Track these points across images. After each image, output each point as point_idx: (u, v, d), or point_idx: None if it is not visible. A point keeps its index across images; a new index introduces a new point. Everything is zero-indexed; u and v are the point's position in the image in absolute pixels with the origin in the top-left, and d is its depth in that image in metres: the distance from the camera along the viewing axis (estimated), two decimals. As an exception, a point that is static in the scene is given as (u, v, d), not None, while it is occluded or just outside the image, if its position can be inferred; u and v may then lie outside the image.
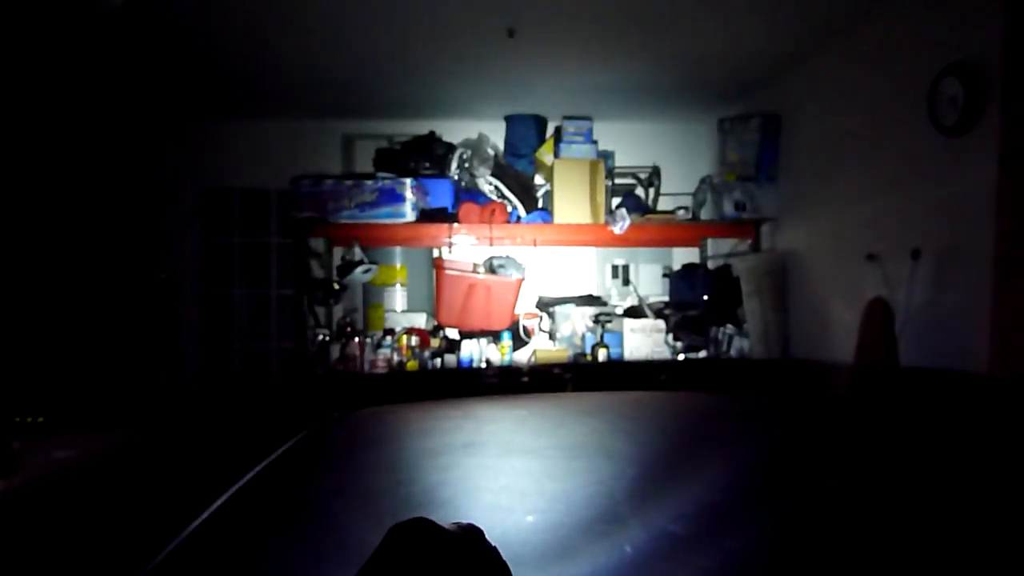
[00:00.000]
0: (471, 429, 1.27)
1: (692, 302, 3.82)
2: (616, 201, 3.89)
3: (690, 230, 3.97)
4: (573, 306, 3.96)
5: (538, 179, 4.08)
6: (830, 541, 0.79)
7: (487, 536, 0.55)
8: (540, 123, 4.11)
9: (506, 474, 1.02)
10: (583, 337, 3.84)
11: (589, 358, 3.68)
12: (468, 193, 3.85)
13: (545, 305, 4.07)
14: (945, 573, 0.74)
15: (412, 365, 3.60)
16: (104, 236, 4.32)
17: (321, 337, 3.70)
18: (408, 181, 3.55)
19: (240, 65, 3.40)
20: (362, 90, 3.82)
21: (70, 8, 2.61)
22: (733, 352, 3.57)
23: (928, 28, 2.45)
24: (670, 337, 3.73)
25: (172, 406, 4.40)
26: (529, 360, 3.80)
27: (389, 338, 3.67)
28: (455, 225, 3.65)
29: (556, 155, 3.74)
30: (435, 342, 3.79)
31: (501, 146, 4.04)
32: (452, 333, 3.91)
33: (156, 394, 4.40)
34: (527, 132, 4.05)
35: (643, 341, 3.64)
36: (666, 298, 4.06)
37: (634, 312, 3.91)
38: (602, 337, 3.70)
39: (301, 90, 3.81)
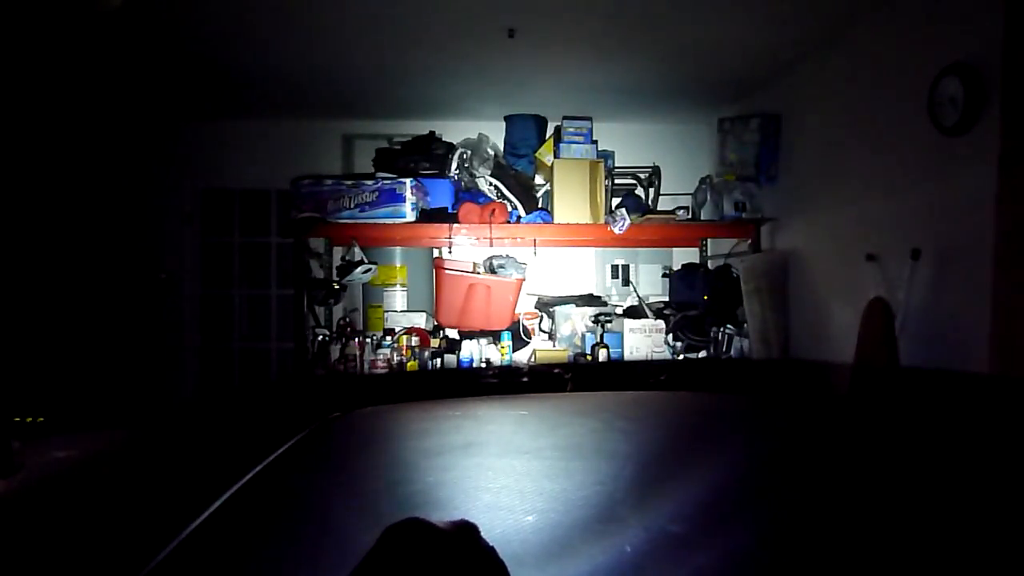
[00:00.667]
0: (471, 429, 1.27)
1: (692, 302, 3.82)
2: (616, 201, 3.90)
3: (690, 230, 3.97)
4: (573, 306, 3.96)
5: (538, 179, 4.09)
6: (831, 541, 0.79)
7: (484, 534, 0.55)
8: (540, 123, 4.11)
9: (506, 474, 1.02)
10: (583, 337, 3.85)
11: (589, 358, 3.69)
12: (468, 193, 3.85)
13: (545, 305, 4.07)
14: (946, 573, 0.74)
15: (412, 365, 3.59)
16: (104, 236, 4.32)
17: (321, 337, 3.70)
18: (408, 181, 3.55)
19: (240, 65, 3.40)
20: (362, 90, 3.82)
21: (69, 8, 2.61)
22: (733, 352, 3.57)
23: (928, 28, 2.45)
24: (670, 337, 3.73)
25: (172, 406, 4.40)
26: (529, 360, 3.80)
27: (389, 338, 3.67)
28: (455, 225, 3.65)
29: (556, 155, 3.74)
30: (435, 342, 3.79)
31: (501, 146, 4.04)
32: (452, 333, 3.91)
33: (156, 394, 4.40)
34: (527, 132, 4.05)
35: (643, 341, 3.64)
36: (666, 298, 4.06)
37: (634, 312, 3.91)
38: (602, 337, 3.70)
39: (301, 90, 3.81)
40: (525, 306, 4.03)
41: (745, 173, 3.64)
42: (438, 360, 3.69)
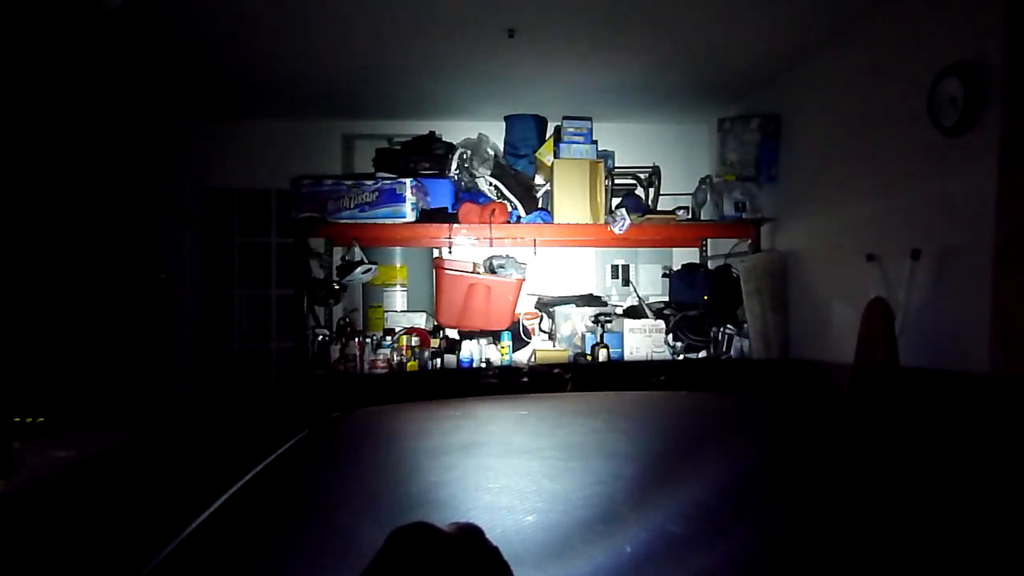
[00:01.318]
0: (471, 429, 1.27)
1: (692, 302, 3.82)
2: (616, 201, 3.90)
3: (690, 230, 3.98)
4: (573, 306, 3.96)
5: (538, 179, 4.09)
6: (831, 541, 0.79)
7: (487, 536, 0.55)
8: (540, 123, 4.12)
9: (506, 474, 1.02)
10: (583, 337, 3.85)
11: (589, 358, 3.69)
12: (468, 193, 3.85)
13: (545, 305, 4.07)
14: (946, 573, 0.74)
15: (412, 365, 3.59)
16: (104, 236, 4.32)
17: (321, 337, 3.70)
18: (408, 181, 3.55)
19: (240, 65, 3.40)
20: (362, 90, 3.82)
21: (69, 8, 2.61)
22: (733, 352, 3.57)
23: (928, 28, 2.45)
24: (670, 337, 3.73)
25: (172, 406, 4.40)
26: (529, 360, 3.80)
27: (389, 338, 3.67)
28: (455, 225, 3.65)
29: (556, 155, 3.74)
30: (435, 342, 3.79)
31: (501, 146, 4.05)
32: (452, 333, 3.91)
33: (156, 394, 4.40)
34: (527, 132, 4.05)
35: (643, 341, 3.64)
36: (666, 298, 4.06)
37: (634, 312, 3.91)
38: (602, 337, 3.70)
39: (301, 90, 3.82)
40: (525, 306, 4.03)
41: (745, 173, 3.64)
42: (438, 360, 3.69)
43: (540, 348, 3.86)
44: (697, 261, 4.26)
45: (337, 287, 3.74)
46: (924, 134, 2.40)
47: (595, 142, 3.76)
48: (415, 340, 3.69)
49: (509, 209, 3.75)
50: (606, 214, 3.70)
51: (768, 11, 2.76)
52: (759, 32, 2.98)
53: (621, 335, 3.68)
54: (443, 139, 3.96)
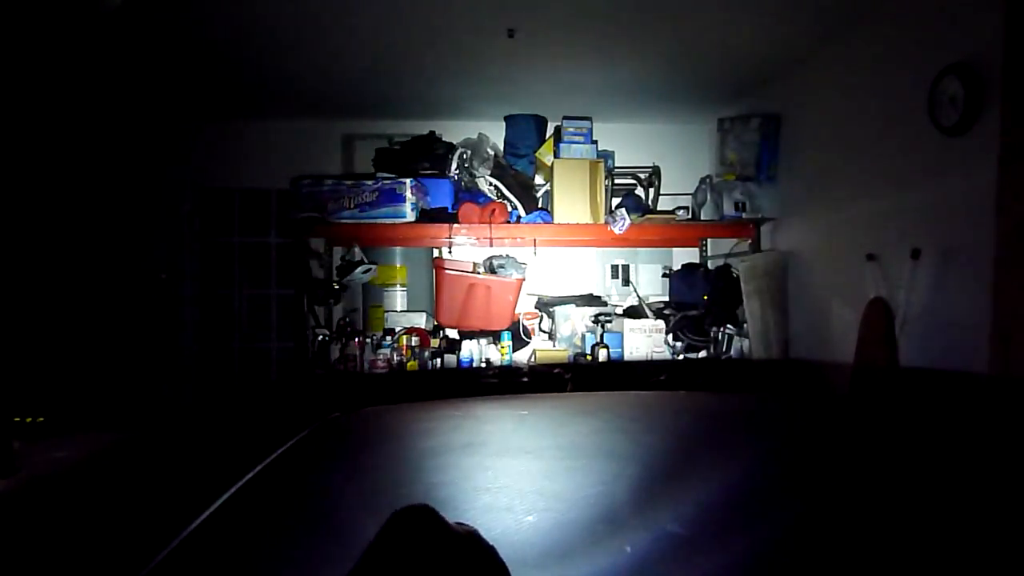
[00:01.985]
0: (471, 429, 1.27)
1: (692, 302, 3.82)
2: (616, 201, 3.89)
3: (690, 230, 3.97)
4: (573, 306, 3.96)
5: (538, 179, 4.09)
6: (832, 541, 0.79)
7: (484, 534, 0.55)
8: (540, 123, 4.11)
9: (506, 474, 1.02)
10: (583, 337, 3.84)
11: (589, 358, 3.69)
12: (468, 193, 3.84)
13: (545, 305, 4.07)
14: (947, 573, 0.74)
15: (412, 365, 3.59)
16: (104, 236, 4.32)
17: (321, 337, 3.70)
18: (408, 181, 3.55)
19: (240, 65, 3.40)
20: (362, 90, 3.82)
21: (69, 7, 2.61)
22: (733, 352, 3.57)
23: (928, 28, 2.45)
24: (670, 337, 3.73)
25: (172, 406, 4.40)
26: (529, 360, 3.80)
27: (389, 338, 3.67)
28: (455, 225, 3.65)
29: (556, 155, 3.74)
30: (435, 342, 3.78)
31: (501, 146, 4.04)
32: (452, 333, 3.91)
33: (156, 394, 4.39)
34: (527, 132, 4.05)
35: (643, 341, 3.64)
36: (666, 298, 4.06)
37: (634, 312, 3.91)
38: (602, 337, 3.70)
39: (301, 90, 3.81)
40: (525, 306, 4.03)
41: (745, 173, 3.64)
42: (438, 360, 3.69)
43: (540, 348, 3.86)
44: (697, 261, 4.26)
45: (337, 287, 3.73)
46: (924, 134, 2.40)
47: (595, 142, 3.76)
48: (415, 340, 3.69)
49: (509, 209, 3.75)
50: (606, 214, 3.70)
51: (768, 11, 2.76)
52: (759, 32, 2.98)
53: (621, 335, 3.68)
54: (443, 139, 3.96)
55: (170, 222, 4.47)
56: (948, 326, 2.32)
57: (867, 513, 0.85)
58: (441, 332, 3.88)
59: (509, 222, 3.71)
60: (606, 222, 3.67)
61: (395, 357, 3.59)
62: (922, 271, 2.42)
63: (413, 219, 3.57)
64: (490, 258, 3.86)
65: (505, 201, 3.80)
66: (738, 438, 1.19)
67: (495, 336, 3.73)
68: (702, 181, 3.93)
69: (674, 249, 4.39)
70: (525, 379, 3.53)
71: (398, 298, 4.02)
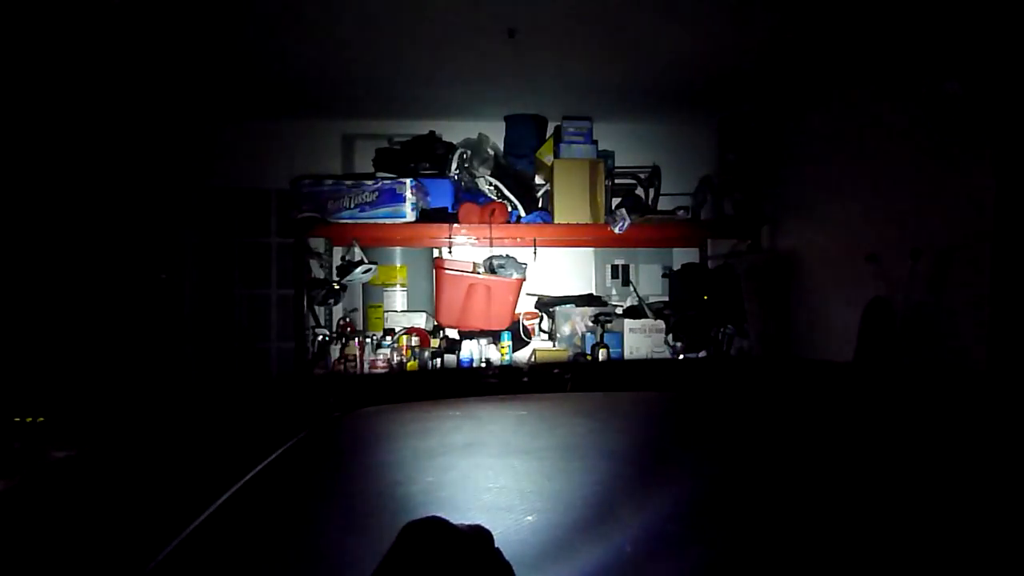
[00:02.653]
0: (471, 429, 1.27)
1: (692, 302, 3.82)
2: (616, 201, 3.90)
3: (690, 230, 3.97)
4: (573, 306, 3.96)
5: (538, 179, 4.09)
6: (829, 539, 0.79)
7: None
8: (540, 123, 4.11)
9: (506, 474, 1.02)
10: (583, 337, 3.85)
11: (589, 358, 3.69)
12: (468, 193, 3.85)
13: (545, 305, 4.07)
14: (946, 573, 0.74)
15: (412, 365, 3.59)
16: (104, 236, 4.32)
17: (321, 337, 3.70)
18: (408, 181, 3.55)
19: (240, 65, 3.39)
20: (362, 90, 3.82)
21: (69, 7, 2.61)
22: (733, 352, 3.57)
23: (928, 28, 2.44)
24: (670, 337, 3.73)
25: (171, 406, 4.40)
26: (529, 360, 3.80)
27: (389, 338, 3.67)
28: (455, 225, 3.65)
29: (556, 155, 3.74)
30: (435, 342, 3.79)
31: (501, 146, 4.04)
32: (452, 333, 3.91)
33: (156, 394, 4.39)
34: (527, 132, 4.05)
35: (643, 341, 3.64)
36: (666, 298, 4.06)
37: (634, 312, 3.91)
38: (602, 337, 3.70)
39: (301, 90, 3.81)
40: (525, 306, 4.03)
41: (745, 173, 3.64)
42: (438, 360, 3.69)
43: (540, 348, 3.86)
44: (697, 261, 4.26)
45: (337, 287, 3.74)
46: (924, 134, 2.40)
47: (595, 142, 3.76)
48: (415, 340, 3.69)
49: (509, 209, 3.75)
50: (606, 214, 3.70)
51: (768, 11, 2.76)
52: (759, 32, 2.98)
53: (621, 335, 3.68)
54: (443, 139, 3.96)
55: (170, 222, 4.47)
56: (948, 326, 2.32)
57: (865, 511, 0.85)
58: (441, 332, 3.88)
59: (509, 222, 3.71)
60: (606, 222, 3.67)
61: (395, 357, 3.59)
62: (922, 271, 2.42)
63: (413, 219, 3.57)
64: (490, 258, 3.86)
65: (505, 201, 3.80)
66: (736, 437, 1.19)
67: (495, 336, 3.73)
68: (702, 181, 3.93)
69: (674, 249, 4.39)
70: (525, 379, 3.53)
71: (398, 298, 4.03)
